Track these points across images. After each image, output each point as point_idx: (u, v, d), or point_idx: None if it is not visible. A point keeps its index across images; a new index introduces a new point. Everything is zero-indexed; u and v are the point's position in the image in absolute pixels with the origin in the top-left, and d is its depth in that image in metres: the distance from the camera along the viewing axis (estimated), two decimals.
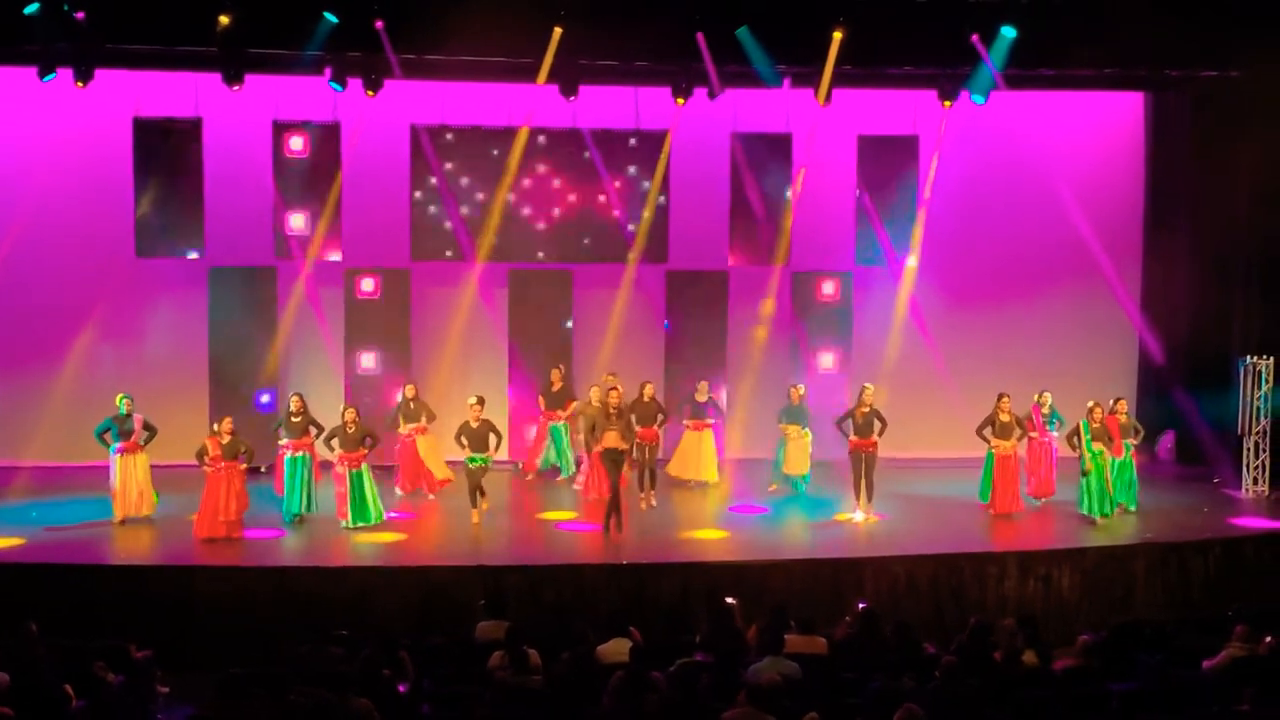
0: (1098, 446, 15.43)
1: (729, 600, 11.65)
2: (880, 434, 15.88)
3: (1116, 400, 16.32)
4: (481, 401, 15.74)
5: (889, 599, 13.19)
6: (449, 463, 16.68)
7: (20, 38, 15.18)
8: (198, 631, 12.37)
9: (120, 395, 15.38)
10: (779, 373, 18.67)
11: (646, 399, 16.61)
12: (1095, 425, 15.49)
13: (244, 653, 10.91)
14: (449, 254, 18.76)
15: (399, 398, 17.08)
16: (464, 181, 18.67)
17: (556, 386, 17.70)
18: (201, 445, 14.71)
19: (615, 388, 15.77)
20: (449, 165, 18.60)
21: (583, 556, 14.14)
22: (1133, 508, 15.83)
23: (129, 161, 17.67)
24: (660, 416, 16.70)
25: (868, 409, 15.85)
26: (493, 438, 15.45)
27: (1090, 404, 15.70)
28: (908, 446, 18.59)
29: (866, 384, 16.25)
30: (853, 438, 15.83)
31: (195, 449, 14.72)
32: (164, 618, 12.42)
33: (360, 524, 14.83)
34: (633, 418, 15.79)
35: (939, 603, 13.57)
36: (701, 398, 17.52)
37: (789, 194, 18.95)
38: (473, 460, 15.32)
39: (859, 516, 15.68)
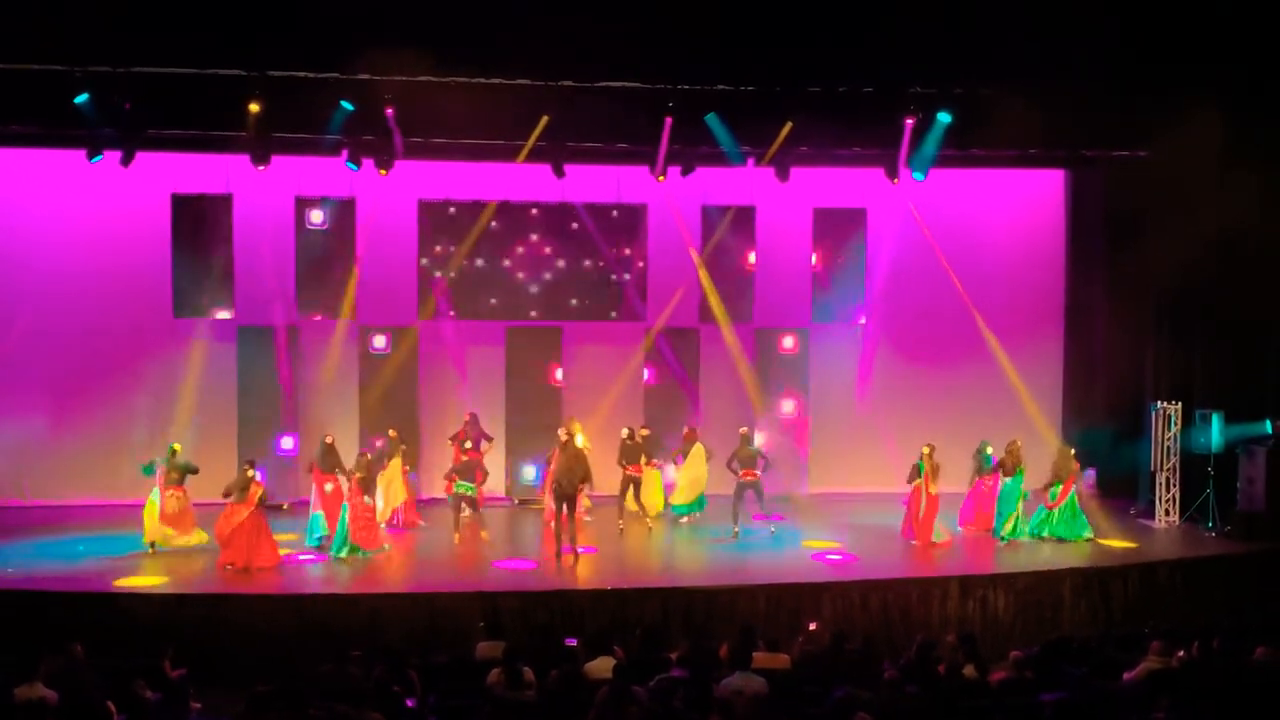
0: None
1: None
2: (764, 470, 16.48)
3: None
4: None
5: (845, 619, 13.18)
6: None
7: (71, 124, 15.26)
8: (228, 652, 12.24)
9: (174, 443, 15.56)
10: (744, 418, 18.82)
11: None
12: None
13: (269, 672, 10.80)
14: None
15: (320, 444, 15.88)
16: (458, 249, 18.55)
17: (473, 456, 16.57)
18: (248, 490, 14.42)
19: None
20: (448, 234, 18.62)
21: (572, 583, 14.07)
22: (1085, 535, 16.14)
23: (167, 232, 17.77)
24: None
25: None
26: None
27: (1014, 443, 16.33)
28: (856, 482, 18.66)
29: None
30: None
31: (228, 487, 14.61)
32: (197, 640, 12.28)
33: (343, 554, 14.75)
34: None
35: (889, 622, 13.55)
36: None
37: (752, 259, 19.10)
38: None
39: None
